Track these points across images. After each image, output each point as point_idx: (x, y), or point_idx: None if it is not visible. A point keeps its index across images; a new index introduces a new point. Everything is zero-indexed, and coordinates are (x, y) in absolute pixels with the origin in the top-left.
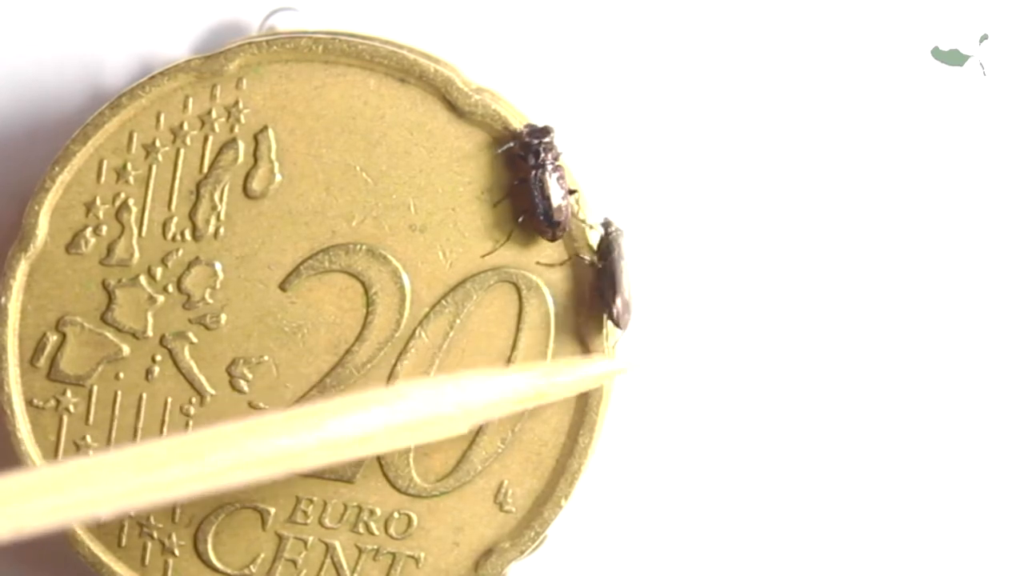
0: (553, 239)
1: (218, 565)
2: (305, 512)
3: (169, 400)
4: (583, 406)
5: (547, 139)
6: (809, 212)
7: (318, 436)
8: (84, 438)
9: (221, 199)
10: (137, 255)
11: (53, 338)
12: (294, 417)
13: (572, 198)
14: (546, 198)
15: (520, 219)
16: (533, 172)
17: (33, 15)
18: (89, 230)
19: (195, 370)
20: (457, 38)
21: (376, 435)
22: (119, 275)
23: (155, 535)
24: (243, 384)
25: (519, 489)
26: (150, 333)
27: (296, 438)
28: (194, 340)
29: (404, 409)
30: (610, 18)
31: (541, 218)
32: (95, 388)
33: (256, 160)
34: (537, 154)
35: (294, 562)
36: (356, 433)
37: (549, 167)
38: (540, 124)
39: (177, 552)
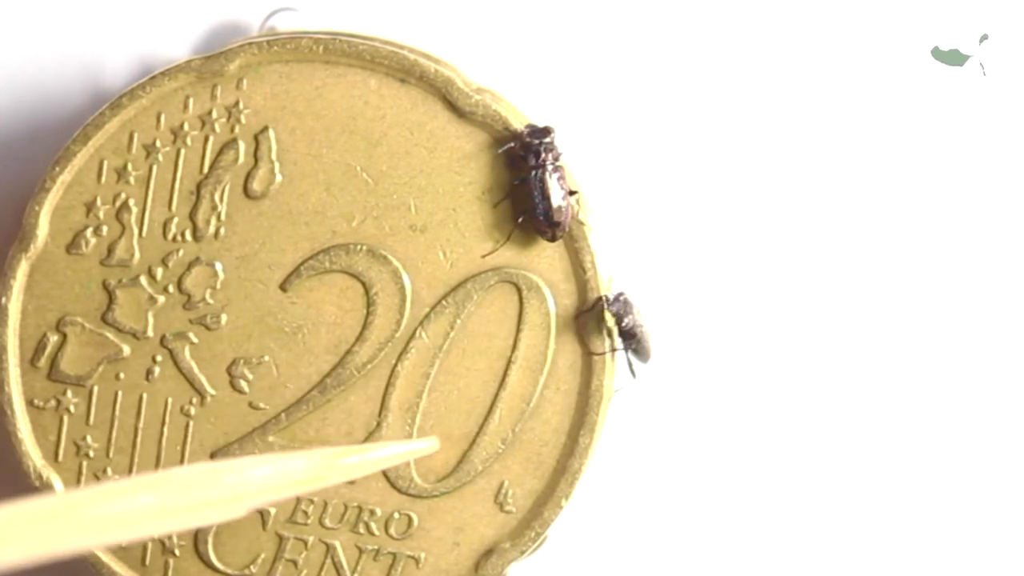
0: (553, 239)
1: (218, 565)
2: (305, 512)
3: (169, 400)
4: (583, 406)
5: (548, 139)
6: (810, 212)
7: (84, 521)
8: (84, 438)
9: (221, 199)
10: (137, 255)
11: (53, 338)
12: (62, 501)
13: (572, 199)
14: (546, 198)
15: (520, 219)
16: (533, 172)
17: (33, 15)
18: (89, 230)
19: (195, 370)
20: (457, 38)
21: (146, 519)
22: (119, 275)
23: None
24: (243, 384)
25: (519, 489)
26: (150, 333)
27: (64, 523)
28: (194, 340)
29: (175, 494)
30: (610, 18)
31: (541, 218)
32: (95, 388)
33: (256, 160)
34: (537, 154)
35: (294, 562)
36: (124, 518)
37: (549, 167)
38: (540, 124)
39: (177, 552)
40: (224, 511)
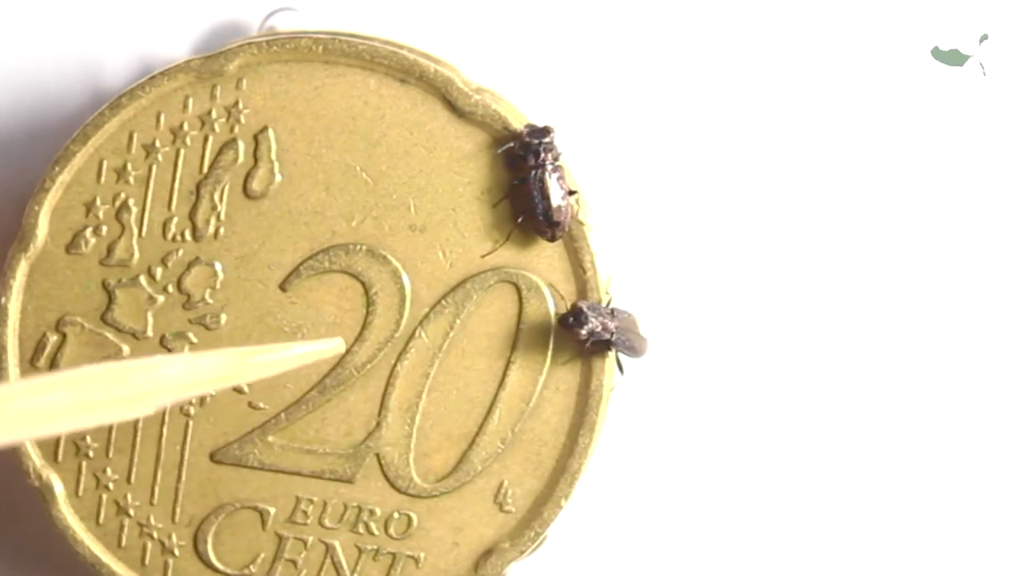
0: (552, 239)
1: (218, 565)
2: (305, 512)
3: None
4: (583, 406)
5: (547, 139)
6: (810, 212)
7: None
8: (84, 439)
9: (221, 199)
10: (137, 255)
11: (53, 338)
12: None
13: (572, 199)
14: (546, 198)
15: (520, 219)
16: (533, 172)
17: (33, 15)
18: (89, 230)
19: None
20: (457, 38)
21: (59, 415)
22: (119, 275)
23: (155, 535)
24: (243, 384)
25: (519, 489)
26: (150, 333)
27: None
28: (194, 340)
29: (87, 392)
30: (610, 18)
31: (541, 218)
32: None
33: (256, 160)
34: (537, 154)
35: (294, 562)
36: (37, 414)
37: (549, 167)
38: (540, 124)
39: (177, 552)
40: (135, 408)
